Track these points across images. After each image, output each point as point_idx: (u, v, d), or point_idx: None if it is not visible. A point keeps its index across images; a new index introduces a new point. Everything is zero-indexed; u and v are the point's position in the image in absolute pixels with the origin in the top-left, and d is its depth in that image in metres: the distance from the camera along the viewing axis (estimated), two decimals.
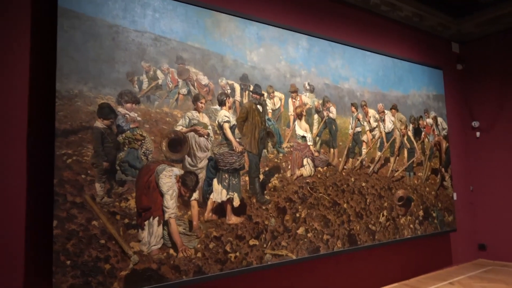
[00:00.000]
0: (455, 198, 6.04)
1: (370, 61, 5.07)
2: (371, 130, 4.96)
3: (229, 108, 3.70)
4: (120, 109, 3.07)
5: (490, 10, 6.05)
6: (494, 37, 6.40)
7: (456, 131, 6.48)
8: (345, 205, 4.48)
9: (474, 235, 6.46)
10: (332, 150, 4.50)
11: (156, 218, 3.12)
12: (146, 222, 3.07)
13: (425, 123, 5.70)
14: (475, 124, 6.58)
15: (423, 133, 5.64)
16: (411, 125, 5.48)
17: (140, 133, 3.16)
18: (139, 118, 3.16)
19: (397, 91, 5.37)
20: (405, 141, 5.36)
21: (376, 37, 5.40)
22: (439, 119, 5.94)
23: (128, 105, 3.12)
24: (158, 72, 3.31)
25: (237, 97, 3.78)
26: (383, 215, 4.88)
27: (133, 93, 3.15)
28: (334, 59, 4.66)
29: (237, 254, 3.51)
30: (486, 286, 4.96)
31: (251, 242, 3.62)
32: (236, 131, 3.72)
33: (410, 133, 5.45)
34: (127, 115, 3.10)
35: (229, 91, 3.71)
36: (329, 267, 4.44)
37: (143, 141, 3.16)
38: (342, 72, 4.73)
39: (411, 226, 5.22)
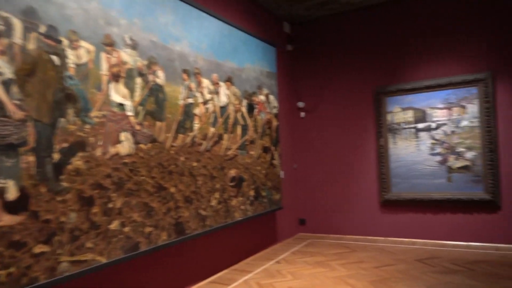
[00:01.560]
0: (282, 176, 6.12)
1: (207, 25, 4.44)
2: (205, 102, 4.37)
3: (2, 53, 2.46)
4: None
5: None
6: (321, 22, 6.69)
7: (285, 110, 6.57)
8: (172, 189, 3.78)
9: (295, 211, 6.77)
10: (158, 123, 3.70)
11: None
12: None
13: (258, 100, 5.48)
14: (301, 104, 6.82)
15: (256, 110, 5.40)
16: (245, 100, 5.15)
17: None
18: None
19: (233, 62, 4.92)
20: (239, 117, 5.00)
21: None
22: (271, 97, 5.84)
23: None
24: None
25: (17, 39, 2.55)
26: (215, 198, 4.40)
27: None
28: (164, 13, 3.82)
29: (12, 270, 2.39)
30: (308, 260, 5.11)
31: (37, 249, 2.54)
32: (15, 89, 2.51)
33: (244, 109, 5.11)
34: None
35: (2, 27, 2.46)
36: (152, 264, 3.70)
37: None
38: (173, 30, 3.93)
39: (242, 207, 4.94)
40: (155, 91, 3.67)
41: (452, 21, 5.67)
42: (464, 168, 5.61)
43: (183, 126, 4.02)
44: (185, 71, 4.06)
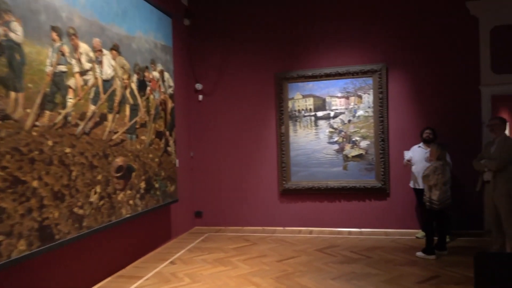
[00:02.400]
0: (177, 165, 5.46)
1: None
2: (83, 73, 3.47)
3: None
4: None
5: None
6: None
7: (181, 91, 5.89)
8: (35, 183, 2.86)
9: (191, 203, 6.19)
10: (13, 94, 2.72)
11: None
12: None
13: (151, 76, 4.71)
14: (198, 86, 6.21)
15: (148, 88, 4.63)
16: (135, 75, 4.34)
17: None
18: None
19: (120, 27, 4.06)
20: (128, 95, 4.18)
21: None
22: (166, 75, 5.11)
23: None
24: None
25: None
26: (95, 193, 3.56)
27: None
28: None
29: None
30: (206, 258, 4.61)
31: None
32: None
33: (134, 86, 4.30)
34: None
35: None
36: (7, 284, 2.75)
37: None
38: None
39: (131, 202, 4.17)
40: (8, 50, 2.68)
41: (352, 11, 5.70)
42: (359, 156, 5.74)
43: (52, 100, 3.08)
44: (54, 29, 3.11)
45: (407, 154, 5.23)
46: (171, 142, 5.17)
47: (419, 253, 4.41)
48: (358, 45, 5.70)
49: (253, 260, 4.48)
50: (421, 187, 4.92)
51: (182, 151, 5.82)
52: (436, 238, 4.47)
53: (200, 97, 6.24)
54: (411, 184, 5.21)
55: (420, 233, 5.22)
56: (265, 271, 4.08)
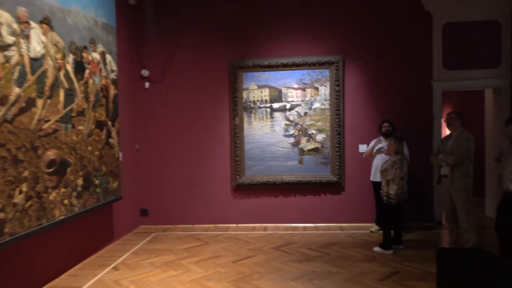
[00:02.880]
0: (121, 158, 4.92)
1: None
2: (3, 47, 2.87)
3: None
4: None
5: None
6: None
7: (125, 77, 5.32)
8: None
9: (136, 200, 5.67)
10: None
11: None
12: None
13: (90, 58, 4.13)
14: (145, 72, 5.67)
15: (87, 71, 4.06)
16: (71, 55, 3.76)
17: None
18: None
19: None
20: (62, 78, 3.60)
21: None
22: (108, 57, 4.54)
23: None
24: None
25: None
26: (20, 192, 3.00)
27: None
28: None
29: None
30: (154, 261, 4.18)
31: None
32: None
33: (70, 67, 3.72)
34: None
35: None
36: None
37: None
38: None
39: (66, 201, 3.62)
40: None
41: (309, 1, 5.51)
42: (315, 150, 5.60)
43: None
44: None
45: (371, 145, 5.09)
46: (113, 134, 4.64)
47: (377, 248, 4.35)
48: (316, 35, 5.52)
49: (206, 262, 4.13)
50: (379, 180, 4.88)
51: (126, 144, 5.28)
52: (392, 232, 4.44)
53: (147, 84, 5.70)
54: (371, 177, 5.16)
55: (374, 227, 5.20)
56: (220, 274, 3.76)
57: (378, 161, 4.89)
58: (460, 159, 3.90)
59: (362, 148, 5.47)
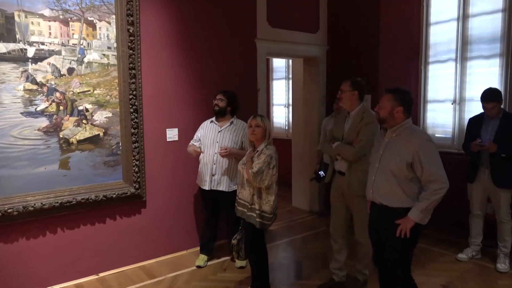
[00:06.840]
0: None
1: None
2: None
3: None
4: None
5: None
6: None
7: None
8: None
9: None
10: None
11: None
12: None
13: None
14: None
15: None
16: None
17: None
18: None
19: None
20: None
21: None
22: None
23: None
24: None
25: None
26: None
27: None
28: None
29: None
30: None
31: None
32: None
33: None
34: None
35: None
36: None
37: None
38: None
39: None
40: None
41: None
42: (92, 140, 3.02)
43: None
44: None
45: (195, 136, 3.13)
46: None
47: None
48: None
49: None
50: (207, 187, 3.05)
51: None
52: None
53: None
54: (198, 182, 3.19)
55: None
56: None
57: (209, 157, 3.03)
58: (362, 154, 2.60)
59: (172, 133, 3.40)
